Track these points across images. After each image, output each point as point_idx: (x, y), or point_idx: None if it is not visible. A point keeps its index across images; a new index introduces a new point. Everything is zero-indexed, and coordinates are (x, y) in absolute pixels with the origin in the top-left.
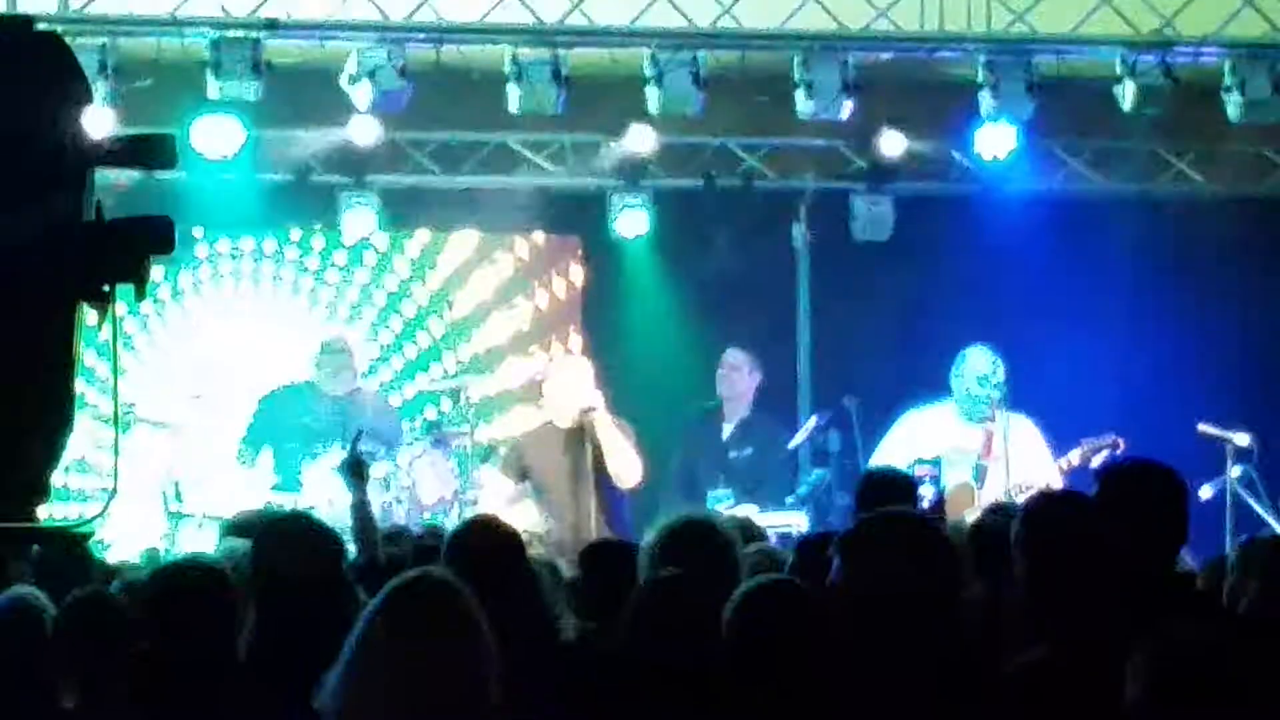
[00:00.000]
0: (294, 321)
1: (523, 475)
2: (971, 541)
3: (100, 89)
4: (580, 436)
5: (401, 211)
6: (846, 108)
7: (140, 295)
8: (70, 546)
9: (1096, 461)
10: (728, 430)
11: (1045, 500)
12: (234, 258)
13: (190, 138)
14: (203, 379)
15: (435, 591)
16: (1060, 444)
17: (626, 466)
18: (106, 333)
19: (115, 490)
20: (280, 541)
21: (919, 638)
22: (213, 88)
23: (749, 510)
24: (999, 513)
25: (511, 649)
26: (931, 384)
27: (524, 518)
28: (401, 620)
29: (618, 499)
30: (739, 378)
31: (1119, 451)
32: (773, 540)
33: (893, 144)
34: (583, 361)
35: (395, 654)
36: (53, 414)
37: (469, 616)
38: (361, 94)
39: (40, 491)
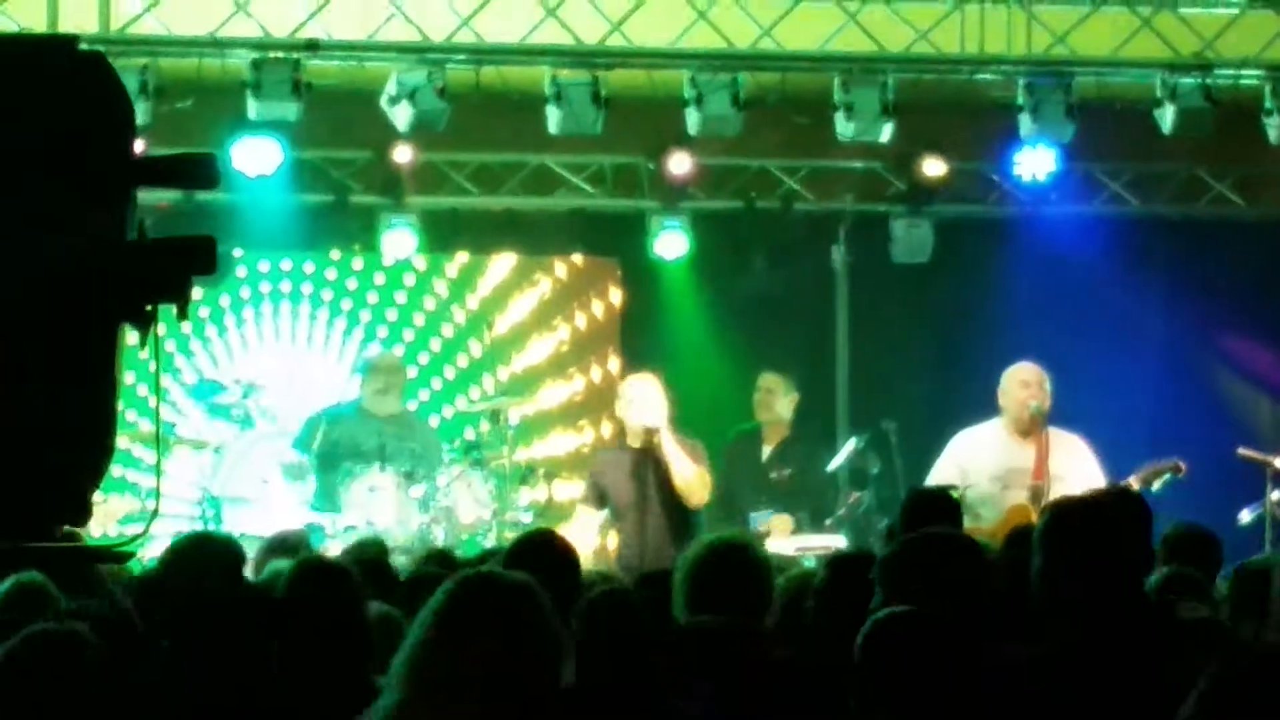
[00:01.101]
0: (333, 342)
1: (601, 500)
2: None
3: (141, 109)
4: (647, 457)
5: (441, 232)
6: (886, 130)
7: (182, 315)
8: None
9: (1157, 485)
10: (767, 452)
11: (1069, 501)
12: (273, 278)
13: (230, 158)
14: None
15: (500, 587)
16: (1104, 466)
17: (692, 486)
18: (147, 353)
19: (158, 511)
20: (180, 563)
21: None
22: (253, 108)
23: (784, 520)
24: None
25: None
26: (971, 405)
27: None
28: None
29: (686, 519)
30: (774, 400)
31: (1180, 475)
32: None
33: (933, 166)
34: (651, 381)
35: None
36: (94, 434)
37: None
38: (401, 115)
39: (81, 511)
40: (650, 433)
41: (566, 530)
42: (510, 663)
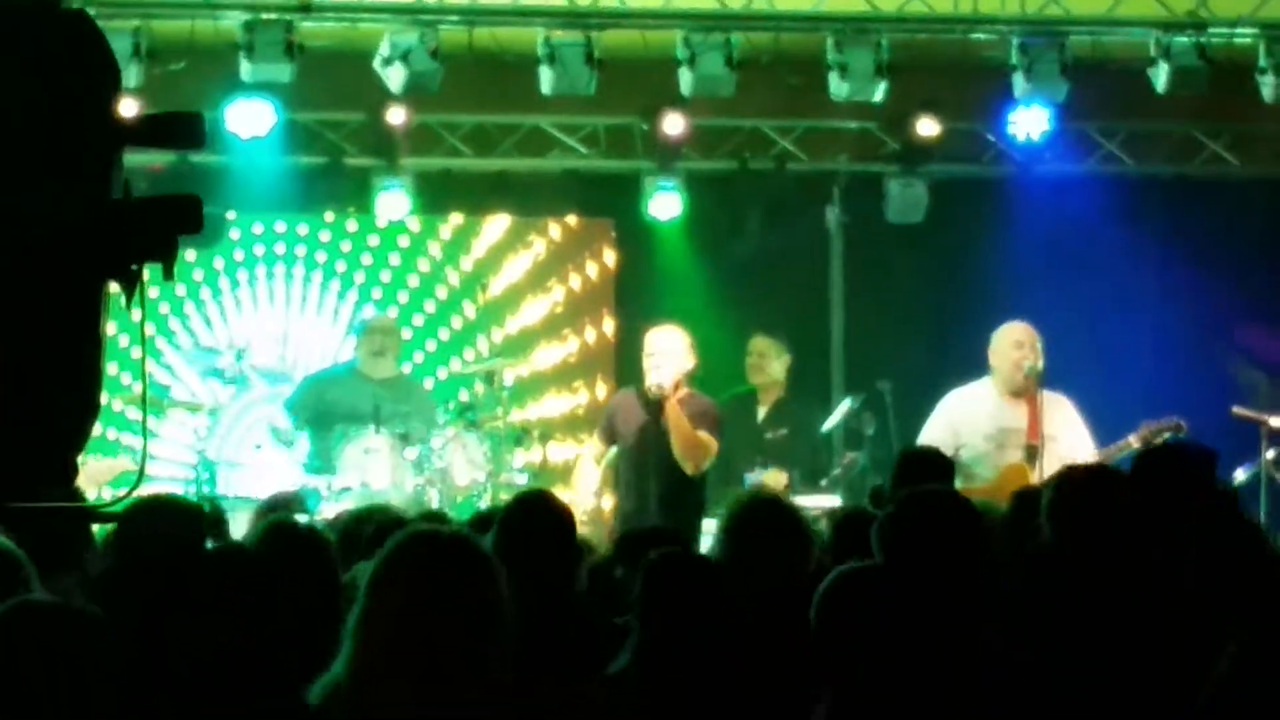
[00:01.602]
0: (327, 304)
1: (612, 438)
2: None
3: (133, 71)
4: (655, 413)
5: (434, 194)
6: (880, 90)
7: (169, 274)
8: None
9: (1157, 444)
10: (763, 413)
11: (1076, 470)
12: (267, 240)
13: (223, 120)
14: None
15: (446, 544)
16: (1094, 425)
17: (689, 453)
18: (137, 314)
19: (143, 472)
20: (141, 523)
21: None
22: (246, 70)
23: (778, 477)
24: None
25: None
26: (966, 366)
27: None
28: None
29: (680, 483)
30: (766, 363)
31: (1181, 434)
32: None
33: (927, 126)
34: (673, 335)
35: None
36: (79, 394)
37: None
38: (394, 76)
39: (66, 472)
40: (660, 389)
41: (561, 491)
42: (449, 633)
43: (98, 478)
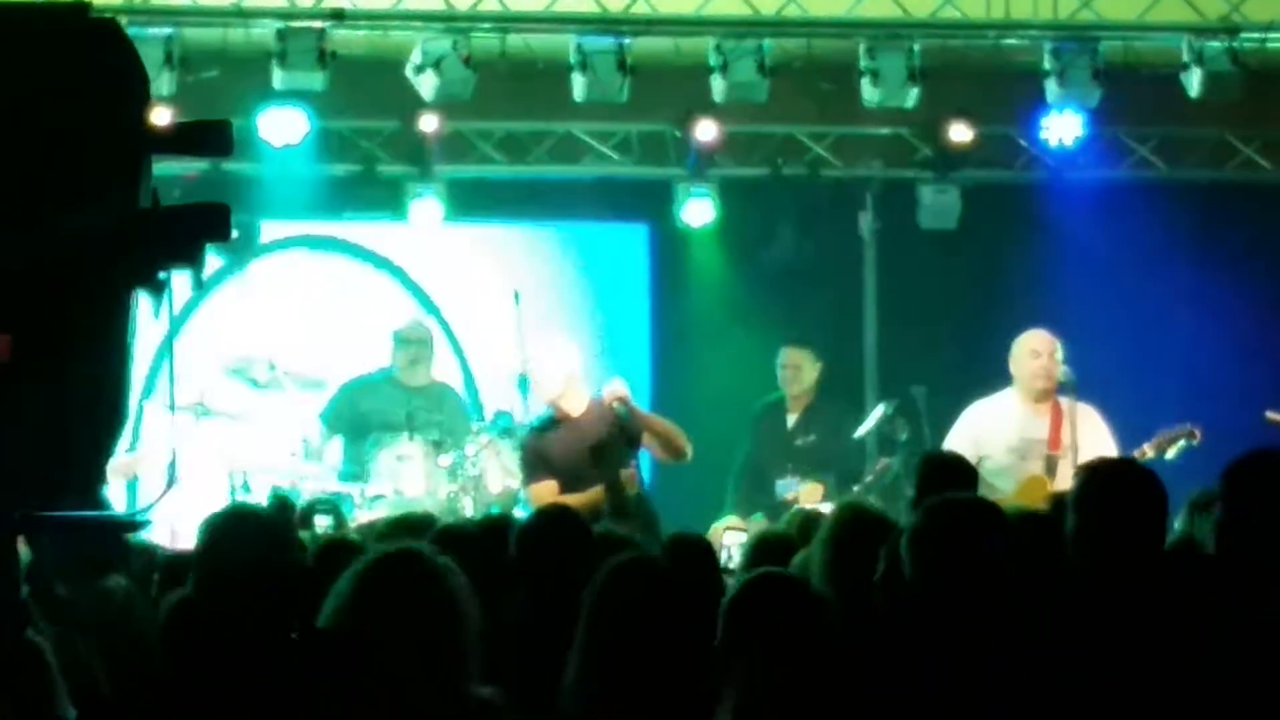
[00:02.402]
0: (363, 312)
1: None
2: None
3: (166, 80)
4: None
5: (468, 201)
6: (912, 96)
7: (197, 283)
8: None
9: (1172, 452)
10: (792, 420)
11: (1104, 463)
12: (300, 247)
13: (256, 128)
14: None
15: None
16: (1128, 432)
17: (674, 441)
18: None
19: (172, 480)
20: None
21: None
22: (278, 78)
23: (814, 489)
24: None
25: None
26: (998, 371)
27: None
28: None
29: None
30: (801, 374)
31: (1195, 442)
32: None
33: (960, 132)
34: (567, 349)
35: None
36: (107, 404)
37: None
38: (426, 84)
39: (95, 481)
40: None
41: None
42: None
43: (118, 472)
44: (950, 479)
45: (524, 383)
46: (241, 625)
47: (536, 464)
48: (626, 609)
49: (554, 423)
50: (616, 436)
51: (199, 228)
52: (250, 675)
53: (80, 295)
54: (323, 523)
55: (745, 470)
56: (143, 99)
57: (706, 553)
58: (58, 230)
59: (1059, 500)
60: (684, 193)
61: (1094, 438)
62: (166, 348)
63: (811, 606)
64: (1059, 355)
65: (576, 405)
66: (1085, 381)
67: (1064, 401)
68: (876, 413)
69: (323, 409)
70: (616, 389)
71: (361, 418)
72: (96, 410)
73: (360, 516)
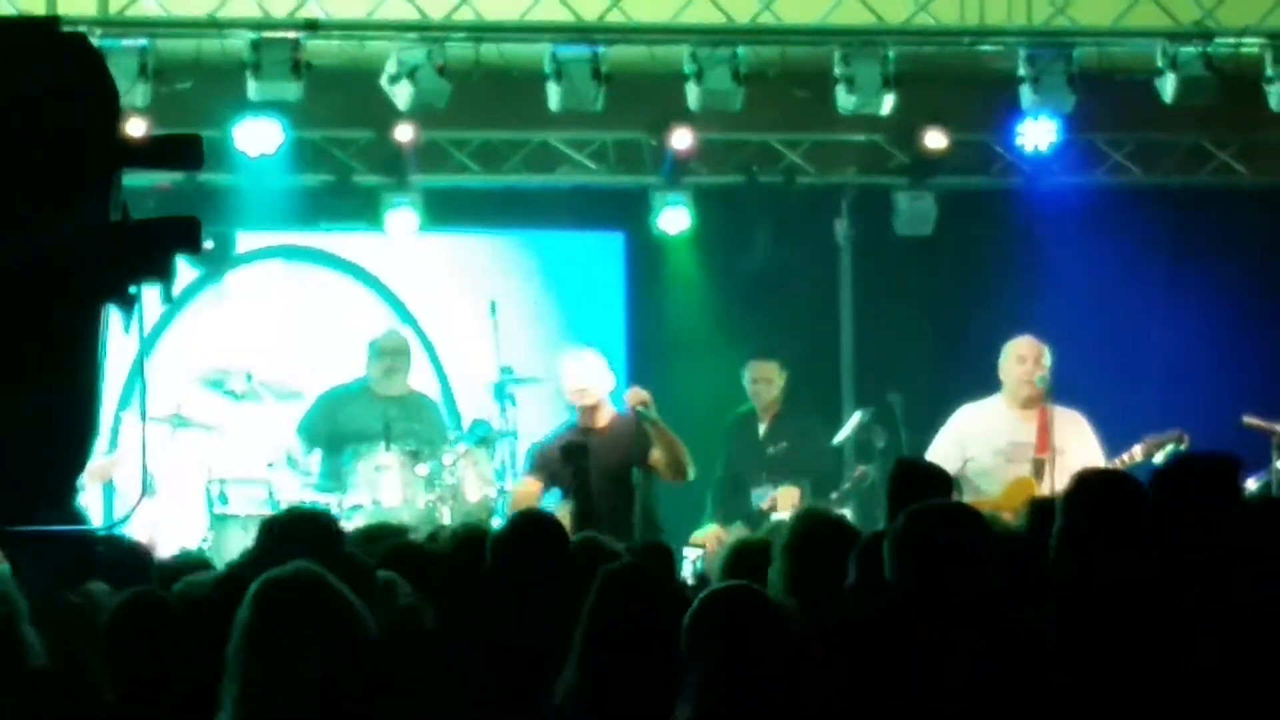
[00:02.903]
0: (339, 323)
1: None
2: None
3: (140, 91)
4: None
5: (443, 211)
6: (887, 103)
7: (167, 296)
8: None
9: (1160, 456)
10: (763, 430)
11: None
12: (276, 258)
13: (231, 139)
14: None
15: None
16: (1105, 435)
17: (680, 459)
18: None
19: (145, 491)
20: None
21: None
22: (253, 89)
23: (791, 493)
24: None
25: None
26: (975, 378)
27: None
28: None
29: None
30: (770, 387)
31: (1183, 446)
32: None
33: (935, 139)
34: (597, 358)
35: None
36: (79, 416)
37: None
38: (401, 94)
39: (68, 494)
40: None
41: None
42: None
43: (94, 475)
44: (924, 486)
45: (500, 391)
46: None
47: (540, 470)
48: (625, 616)
49: (576, 433)
50: (635, 454)
51: (169, 241)
52: None
53: (50, 309)
54: None
55: (723, 481)
56: (113, 113)
57: (667, 560)
58: (27, 244)
59: (1038, 507)
60: (660, 201)
61: (1081, 442)
62: (139, 359)
63: (766, 620)
64: (1046, 361)
65: (601, 417)
66: (1062, 386)
67: (1050, 407)
68: (854, 420)
69: (300, 421)
70: (640, 393)
71: (338, 428)
72: (68, 423)
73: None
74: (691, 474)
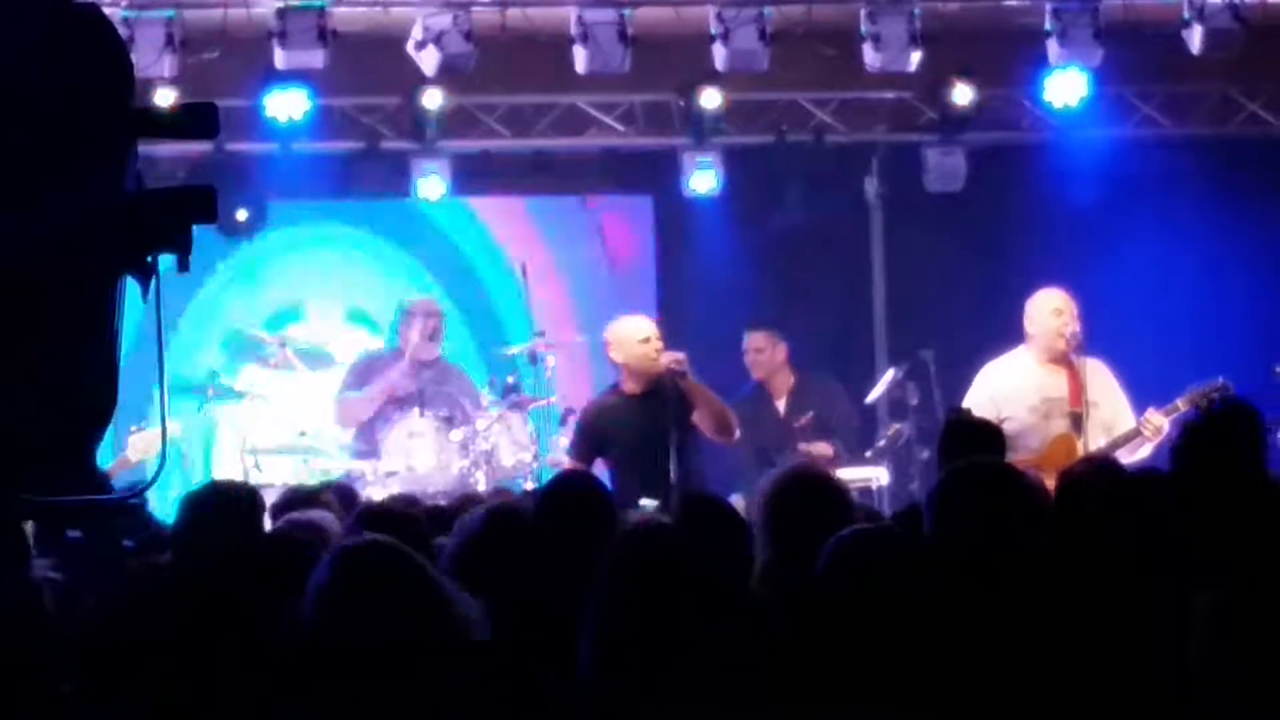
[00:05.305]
0: (371, 288)
1: (593, 456)
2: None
3: (167, 62)
4: (663, 398)
5: (472, 176)
6: (914, 59)
7: (184, 266)
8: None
9: (1205, 406)
10: (781, 404)
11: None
12: (306, 226)
13: (260, 108)
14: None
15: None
16: (1138, 389)
17: (724, 418)
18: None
19: (164, 459)
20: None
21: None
22: (279, 57)
23: (822, 448)
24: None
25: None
26: (1008, 332)
27: None
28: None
29: (697, 464)
30: (766, 358)
31: (1228, 395)
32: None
33: (963, 94)
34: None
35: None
36: (97, 388)
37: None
38: (428, 59)
39: (84, 466)
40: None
41: None
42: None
43: (138, 450)
44: (976, 441)
45: (533, 355)
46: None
47: (587, 439)
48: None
49: (620, 398)
50: (678, 416)
51: (186, 211)
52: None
53: (67, 280)
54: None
55: (748, 455)
56: (128, 83)
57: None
58: (43, 215)
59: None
60: (689, 162)
61: (1111, 393)
62: (158, 328)
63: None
64: (1076, 312)
65: (644, 381)
66: (1093, 339)
67: (1075, 358)
68: (887, 377)
69: (339, 389)
70: (678, 354)
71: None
72: (86, 394)
73: (373, 494)
74: (737, 433)
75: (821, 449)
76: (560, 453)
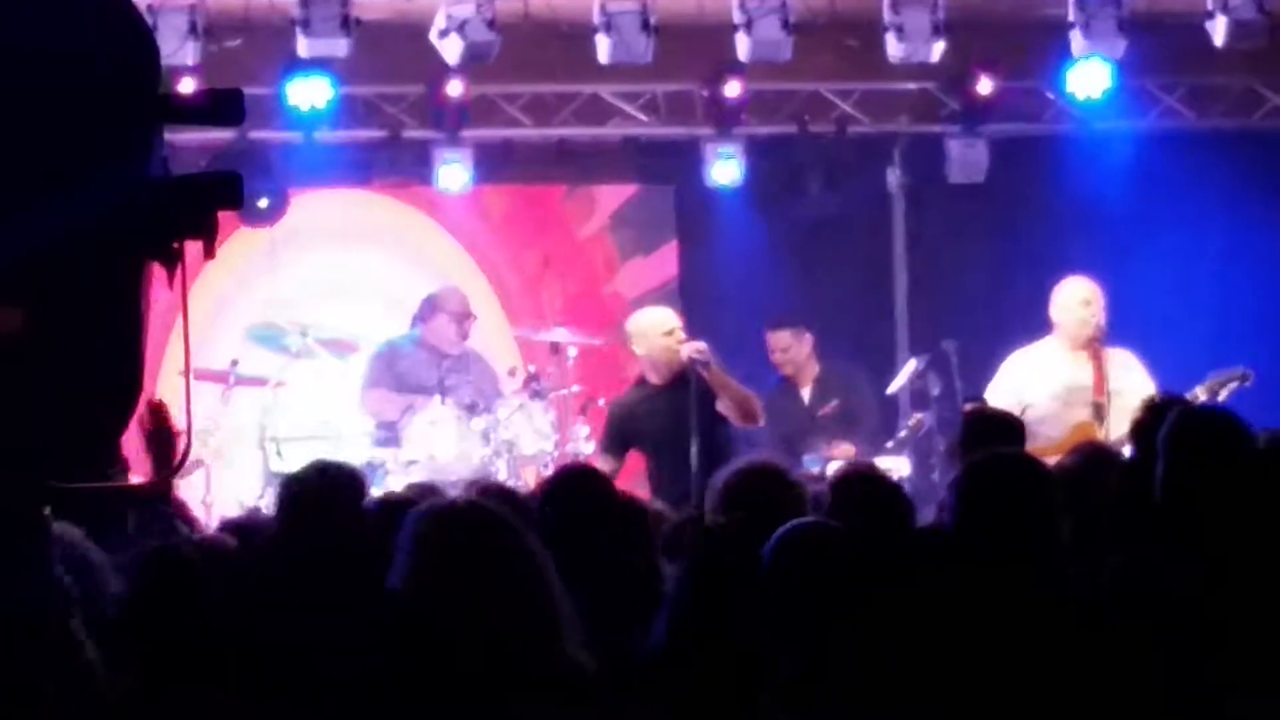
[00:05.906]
0: (393, 276)
1: (623, 450)
2: None
3: (190, 49)
4: (685, 390)
5: (495, 165)
6: (937, 50)
7: (209, 253)
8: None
9: (1224, 394)
10: (807, 395)
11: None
12: (329, 215)
13: (283, 96)
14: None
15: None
16: (1163, 381)
17: (747, 405)
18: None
19: (189, 446)
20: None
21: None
22: (302, 45)
23: (845, 449)
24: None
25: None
26: (1029, 323)
27: None
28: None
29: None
30: (792, 354)
31: (1248, 383)
32: None
33: (985, 85)
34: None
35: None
36: (121, 376)
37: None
38: (451, 48)
39: (109, 454)
40: (704, 353)
41: None
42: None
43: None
44: (995, 433)
45: (554, 345)
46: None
47: (616, 433)
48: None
49: (647, 389)
50: (704, 405)
51: (211, 197)
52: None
53: (91, 267)
54: None
55: (772, 447)
56: (152, 68)
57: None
58: (67, 202)
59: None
60: (711, 152)
61: (1137, 382)
62: (183, 315)
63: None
64: (1102, 302)
65: (669, 372)
66: (1116, 330)
67: (1104, 348)
68: (908, 368)
69: (363, 379)
70: (699, 344)
71: (397, 380)
72: (110, 382)
73: (393, 483)
74: (762, 419)
75: (845, 450)
76: (581, 442)
